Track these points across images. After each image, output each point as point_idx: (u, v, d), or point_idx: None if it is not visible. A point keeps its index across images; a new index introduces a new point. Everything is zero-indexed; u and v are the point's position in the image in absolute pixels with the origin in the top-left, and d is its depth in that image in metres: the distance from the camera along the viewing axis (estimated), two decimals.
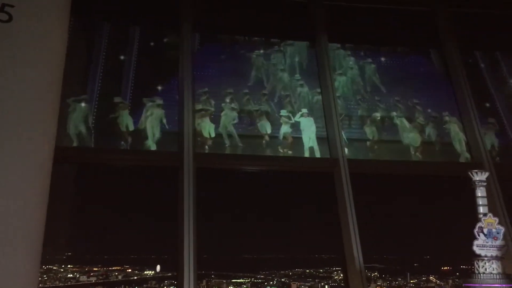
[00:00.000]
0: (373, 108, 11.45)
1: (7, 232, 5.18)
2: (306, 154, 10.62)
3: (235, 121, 10.58)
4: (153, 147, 10.02)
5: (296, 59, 11.80)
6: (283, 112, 10.90)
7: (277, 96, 11.19)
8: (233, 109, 10.67)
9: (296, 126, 10.82)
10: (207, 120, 10.48)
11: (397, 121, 11.34)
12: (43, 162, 5.93)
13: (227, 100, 10.79)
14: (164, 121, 10.23)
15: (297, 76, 11.51)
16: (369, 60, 12.07)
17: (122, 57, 10.84)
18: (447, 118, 11.54)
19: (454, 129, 11.44)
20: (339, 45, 12.15)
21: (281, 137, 10.67)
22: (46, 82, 6.19)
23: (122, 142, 9.94)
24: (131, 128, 10.04)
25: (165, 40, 11.34)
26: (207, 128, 10.42)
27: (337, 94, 11.32)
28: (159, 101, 10.36)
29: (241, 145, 10.39)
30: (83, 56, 10.58)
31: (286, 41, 11.96)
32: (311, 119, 10.95)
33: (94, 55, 10.63)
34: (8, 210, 5.27)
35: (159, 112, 10.27)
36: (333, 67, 11.69)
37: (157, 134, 10.10)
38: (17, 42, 5.95)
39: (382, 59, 12.23)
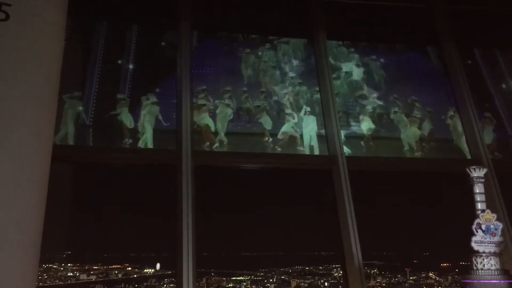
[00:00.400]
0: (371, 106, 11.44)
1: (5, 231, 5.19)
2: (306, 152, 10.62)
3: (230, 117, 10.58)
4: (151, 145, 10.02)
5: (294, 57, 11.78)
6: (287, 110, 10.89)
7: (274, 94, 11.19)
8: (227, 105, 10.66)
9: (298, 124, 10.80)
10: (206, 115, 10.49)
11: (394, 116, 11.31)
12: (41, 160, 5.93)
13: (225, 97, 10.78)
14: (160, 117, 10.23)
15: (292, 73, 11.46)
16: (373, 57, 12.05)
17: (120, 56, 10.82)
18: (452, 113, 11.52)
19: (455, 124, 11.44)
20: (341, 42, 12.13)
21: (280, 135, 10.64)
22: (44, 81, 6.18)
23: (126, 139, 9.92)
24: (132, 125, 10.05)
25: (163, 38, 11.32)
26: (208, 124, 10.42)
27: (336, 92, 11.31)
28: (153, 99, 10.34)
29: (226, 140, 10.34)
30: (80, 55, 10.58)
31: (285, 39, 11.93)
32: (313, 117, 10.93)
33: (92, 53, 10.62)
34: (6, 209, 5.27)
35: (154, 109, 10.25)
36: (334, 64, 11.68)
37: (151, 131, 10.07)
38: (14, 41, 5.93)
39: (381, 57, 12.19)
